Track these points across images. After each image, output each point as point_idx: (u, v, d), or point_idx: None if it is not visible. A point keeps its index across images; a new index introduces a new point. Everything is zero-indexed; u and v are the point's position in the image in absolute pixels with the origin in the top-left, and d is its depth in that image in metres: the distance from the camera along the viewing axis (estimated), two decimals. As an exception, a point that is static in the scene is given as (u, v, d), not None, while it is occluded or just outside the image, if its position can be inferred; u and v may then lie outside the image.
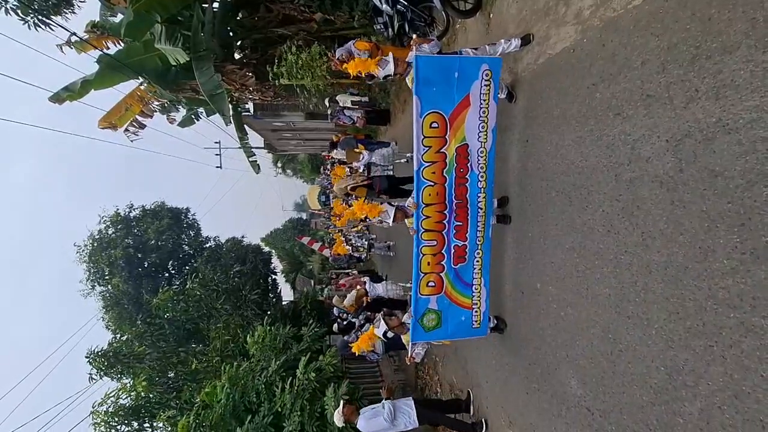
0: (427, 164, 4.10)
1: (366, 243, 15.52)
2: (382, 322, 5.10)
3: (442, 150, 4.07)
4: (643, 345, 2.58)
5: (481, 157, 4.11)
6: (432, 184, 4.17)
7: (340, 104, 11.73)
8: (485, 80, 3.88)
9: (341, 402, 5.12)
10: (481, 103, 3.95)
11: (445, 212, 4.29)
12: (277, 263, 29.51)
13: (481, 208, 4.31)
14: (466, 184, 4.22)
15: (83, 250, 21.29)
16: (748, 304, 1.95)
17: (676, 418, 2.35)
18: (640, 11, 2.62)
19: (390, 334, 5.02)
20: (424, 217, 4.24)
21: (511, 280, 4.48)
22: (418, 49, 3.75)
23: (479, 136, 4.04)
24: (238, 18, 10.81)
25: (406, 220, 4.52)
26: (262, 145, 26.75)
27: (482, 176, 4.19)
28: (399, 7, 6.25)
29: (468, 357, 5.85)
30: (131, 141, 12.45)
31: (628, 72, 2.71)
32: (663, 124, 2.43)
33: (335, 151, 10.61)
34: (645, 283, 2.56)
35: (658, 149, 2.46)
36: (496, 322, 4.69)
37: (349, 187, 7.55)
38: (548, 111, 3.68)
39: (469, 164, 4.15)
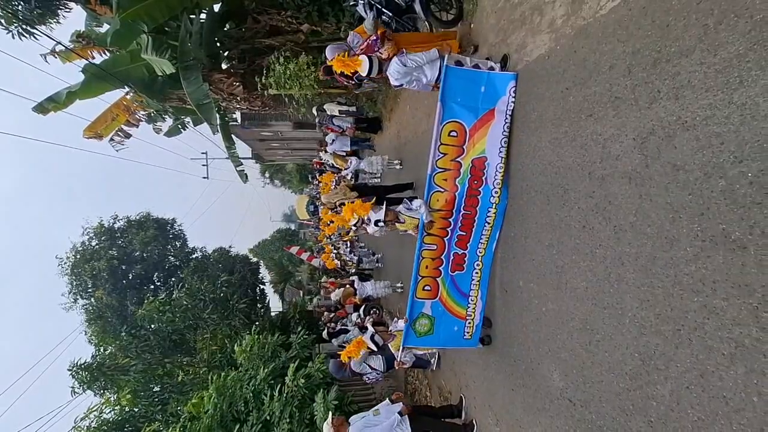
0: (440, 170, 4.19)
1: (355, 258, 15.40)
2: (370, 326, 5.16)
3: (457, 159, 4.16)
4: (618, 333, 2.70)
5: (499, 172, 4.15)
6: (442, 190, 4.25)
7: (328, 113, 11.88)
8: (512, 96, 3.99)
9: (330, 413, 5.05)
10: (506, 119, 4.04)
11: (450, 220, 4.36)
12: (265, 274, 29.26)
13: (489, 223, 4.36)
14: (478, 197, 4.28)
15: (65, 263, 20.85)
16: (710, 287, 2.08)
17: (650, 401, 2.46)
18: (607, 19, 2.81)
19: (378, 338, 5.07)
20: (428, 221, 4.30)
21: (495, 279, 4.59)
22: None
23: (500, 151, 4.10)
24: (226, 29, 10.92)
25: (397, 223, 4.62)
26: (250, 155, 26.74)
27: (497, 192, 4.22)
28: (384, 18, 6.44)
29: (456, 358, 5.92)
30: (116, 151, 12.40)
31: (597, 76, 2.88)
32: (630, 124, 2.59)
33: (325, 151, 10.71)
34: (618, 274, 2.70)
35: (626, 147, 2.62)
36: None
37: (338, 203, 7.65)
38: (526, 115, 3.85)
39: (484, 177, 4.21)
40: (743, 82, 1.92)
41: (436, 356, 6.13)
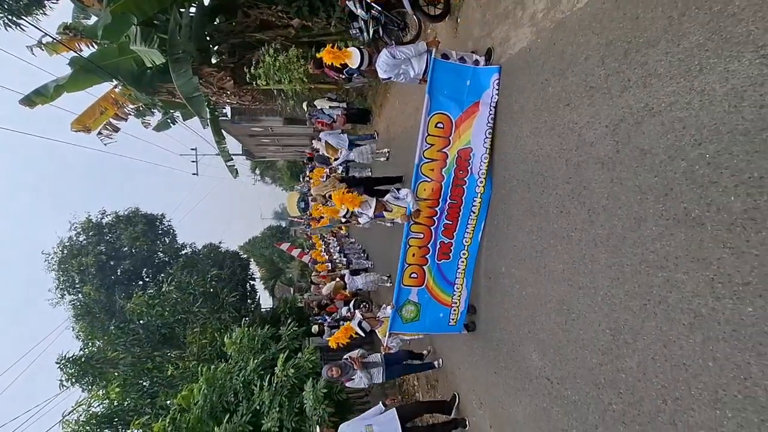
0: (427, 161, 4.31)
1: (345, 259, 15.28)
2: (358, 313, 5.26)
3: (444, 150, 4.28)
4: (591, 311, 2.84)
5: (484, 163, 4.26)
6: (429, 180, 4.37)
7: (318, 108, 11.91)
8: (496, 89, 4.12)
9: (317, 428, 5.04)
10: (490, 111, 4.16)
11: (437, 209, 4.49)
12: (255, 270, 29.17)
13: (474, 212, 4.49)
14: (464, 186, 4.40)
15: (52, 258, 20.57)
16: (672, 263, 2.23)
17: (620, 374, 2.61)
18: (583, 13, 2.94)
19: (365, 324, 5.17)
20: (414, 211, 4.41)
21: (480, 267, 4.72)
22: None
23: (485, 142, 4.22)
24: (216, 23, 10.89)
25: (384, 212, 4.73)
26: (240, 152, 26.61)
27: (481, 182, 4.34)
28: (374, 12, 6.52)
29: (442, 346, 6.05)
30: (105, 144, 12.31)
31: (574, 67, 3.01)
32: (603, 112, 2.72)
33: (315, 142, 10.74)
34: (592, 255, 2.83)
35: (600, 134, 2.76)
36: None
37: (327, 195, 7.73)
38: (509, 106, 3.97)
39: (469, 167, 4.33)
40: (703, 70, 2.05)
41: (440, 360, 5.98)
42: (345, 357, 5.13)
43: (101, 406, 9.82)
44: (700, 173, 2.07)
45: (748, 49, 1.84)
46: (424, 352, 5.60)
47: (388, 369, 5.28)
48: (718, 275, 1.98)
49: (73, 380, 10.86)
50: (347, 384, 5.22)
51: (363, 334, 5.09)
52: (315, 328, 10.20)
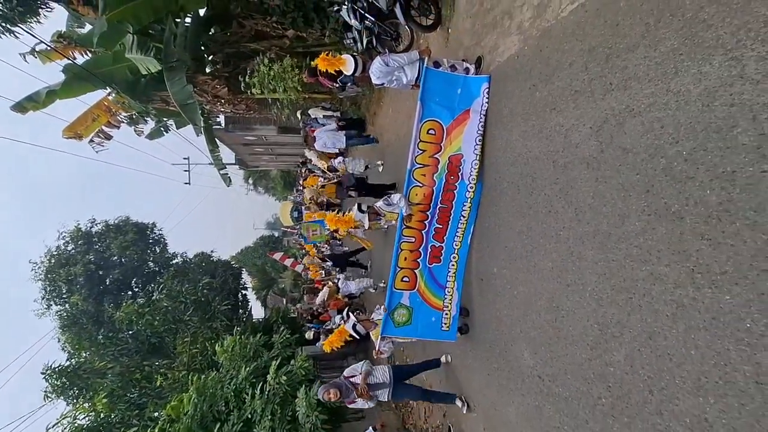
0: (419, 166, 4.42)
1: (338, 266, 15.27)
2: (352, 316, 5.27)
3: (435, 156, 4.40)
4: (580, 307, 2.91)
5: (474, 169, 4.38)
6: (420, 185, 4.47)
7: (312, 117, 12.02)
8: (486, 98, 4.25)
9: None
10: (481, 119, 4.28)
11: (428, 213, 4.58)
12: (247, 280, 28.92)
13: (464, 216, 4.59)
14: (455, 191, 4.51)
15: (39, 267, 20.21)
16: (655, 256, 2.31)
17: (608, 367, 2.67)
18: (567, 21, 3.08)
19: (359, 327, 5.19)
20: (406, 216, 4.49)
21: (471, 269, 4.79)
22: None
23: (475, 149, 4.34)
24: (211, 33, 11.02)
25: (381, 218, 4.81)
26: (233, 161, 26.61)
27: (471, 187, 4.45)
28: (367, 23, 6.69)
29: (435, 350, 6.07)
30: (96, 152, 12.28)
31: (560, 72, 3.14)
32: (587, 114, 2.84)
33: (307, 151, 10.75)
34: (579, 252, 2.92)
35: (584, 135, 2.87)
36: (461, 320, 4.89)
37: (319, 186, 7.82)
38: (499, 112, 4.10)
39: (460, 173, 4.44)
40: (678, 72, 2.17)
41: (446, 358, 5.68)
42: (345, 377, 4.74)
43: (87, 418, 9.58)
44: (678, 169, 2.17)
45: (718, 52, 1.96)
46: (442, 359, 5.47)
47: (396, 388, 4.83)
48: (697, 266, 2.07)
49: (59, 392, 10.61)
50: (349, 405, 4.79)
51: (357, 337, 5.09)
52: (309, 334, 10.15)
